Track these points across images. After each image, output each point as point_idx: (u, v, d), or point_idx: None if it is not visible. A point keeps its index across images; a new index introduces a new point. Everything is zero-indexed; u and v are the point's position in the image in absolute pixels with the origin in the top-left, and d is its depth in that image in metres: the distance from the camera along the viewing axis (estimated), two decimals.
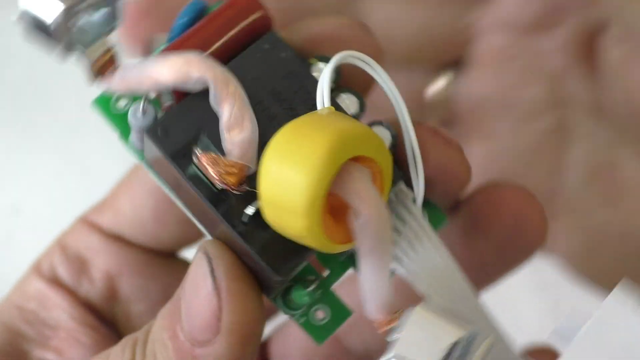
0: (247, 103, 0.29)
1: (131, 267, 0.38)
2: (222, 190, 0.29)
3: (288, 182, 0.26)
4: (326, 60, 0.30)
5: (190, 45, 0.30)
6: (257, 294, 0.30)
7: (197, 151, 0.29)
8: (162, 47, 0.31)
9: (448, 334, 0.26)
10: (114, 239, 0.38)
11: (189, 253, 0.38)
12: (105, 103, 0.31)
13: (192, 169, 0.29)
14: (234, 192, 0.28)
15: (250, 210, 0.28)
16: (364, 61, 0.30)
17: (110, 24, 0.30)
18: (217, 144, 0.29)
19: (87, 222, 0.39)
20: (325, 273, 0.31)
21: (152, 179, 0.32)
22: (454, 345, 0.26)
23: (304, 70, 0.30)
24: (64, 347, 0.37)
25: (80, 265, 0.38)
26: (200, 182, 0.29)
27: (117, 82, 0.30)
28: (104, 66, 0.30)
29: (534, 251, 0.34)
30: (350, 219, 0.27)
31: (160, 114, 0.30)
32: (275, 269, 0.28)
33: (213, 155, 0.28)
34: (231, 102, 0.29)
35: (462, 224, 0.34)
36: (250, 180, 0.28)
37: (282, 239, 0.28)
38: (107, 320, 0.38)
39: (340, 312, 0.30)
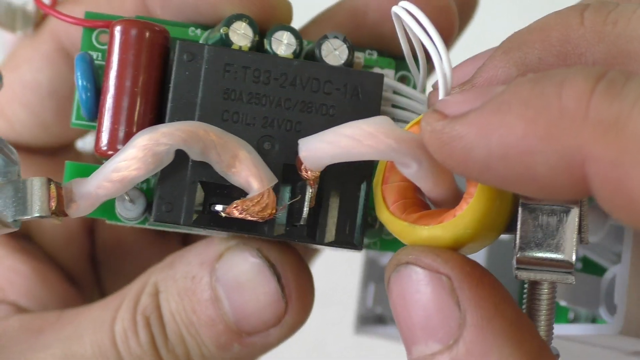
0: (223, 133, 0.29)
1: (35, 174, 0.35)
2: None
3: None
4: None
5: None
6: (314, 289, 0.32)
7: (221, 212, 0.29)
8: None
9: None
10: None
11: None
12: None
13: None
14: (279, 214, 0.29)
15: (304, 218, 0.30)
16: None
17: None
18: (219, 184, 0.30)
19: None
20: None
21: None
22: None
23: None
24: (2, 282, 0.35)
25: None
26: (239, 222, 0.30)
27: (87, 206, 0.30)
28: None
29: None
30: None
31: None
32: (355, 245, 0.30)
33: (235, 206, 0.29)
34: (211, 144, 0.29)
35: None
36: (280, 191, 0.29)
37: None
38: (25, 236, 0.36)
39: None
